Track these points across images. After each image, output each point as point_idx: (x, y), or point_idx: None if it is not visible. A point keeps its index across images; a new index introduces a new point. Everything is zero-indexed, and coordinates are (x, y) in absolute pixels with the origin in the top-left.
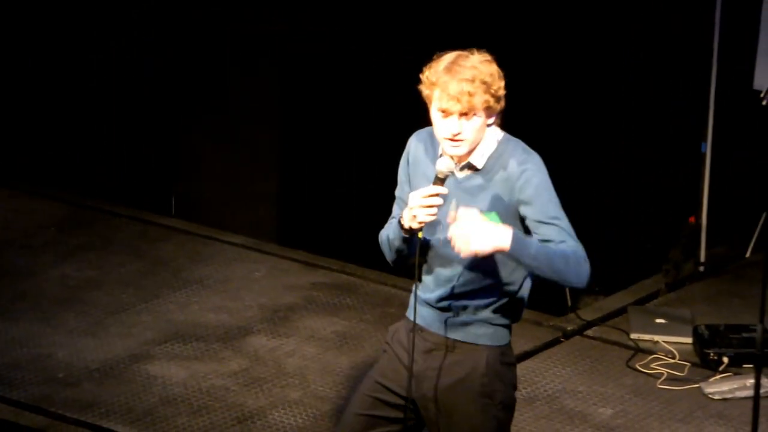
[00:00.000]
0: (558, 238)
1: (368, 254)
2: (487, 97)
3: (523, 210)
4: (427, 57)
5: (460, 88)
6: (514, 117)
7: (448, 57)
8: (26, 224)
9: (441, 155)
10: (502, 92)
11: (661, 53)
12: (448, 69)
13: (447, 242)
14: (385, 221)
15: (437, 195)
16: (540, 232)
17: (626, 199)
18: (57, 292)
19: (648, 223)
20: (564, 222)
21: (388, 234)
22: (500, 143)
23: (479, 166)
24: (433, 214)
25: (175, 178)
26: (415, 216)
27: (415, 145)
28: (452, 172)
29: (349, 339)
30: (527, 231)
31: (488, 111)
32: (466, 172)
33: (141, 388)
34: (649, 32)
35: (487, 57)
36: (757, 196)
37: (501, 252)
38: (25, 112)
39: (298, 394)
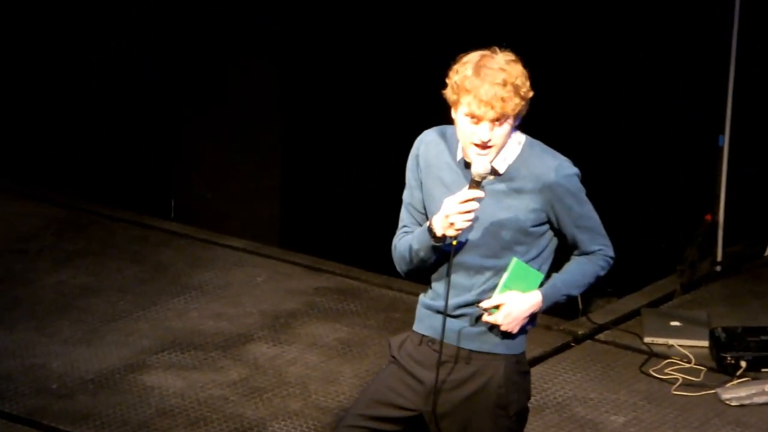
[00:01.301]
0: (592, 246)
1: (372, 257)
2: (518, 100)
3: (560, 217)
4: (427, 57)
5: (493, 93)
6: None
7: (473, 58)
8: (22, 228)
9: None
10: (530, 94)
11: (678, 45)
12: (477, 72)
13: (465, 248)
14: (390, 223)
15: (474, 199)
16: (575, 237)
17: (640, 197)
18: (52, 299)
19: (662, 221)
20: (596, 222)
21: (411, 244)
22: (524, 147)
23: (501, 171)
24: (470, 220)
25: (175, 181)
26: (452, 223)
27: (424, 147)
28: (487, 176)
29: (352, 346)
30: (555, 232)
31: (517, 116)
32: (488, 177)
33: (137, 399)
34: (668, 24)
35: (512, 56)
36: None
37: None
38: (23, 113)
39: (299, 404)
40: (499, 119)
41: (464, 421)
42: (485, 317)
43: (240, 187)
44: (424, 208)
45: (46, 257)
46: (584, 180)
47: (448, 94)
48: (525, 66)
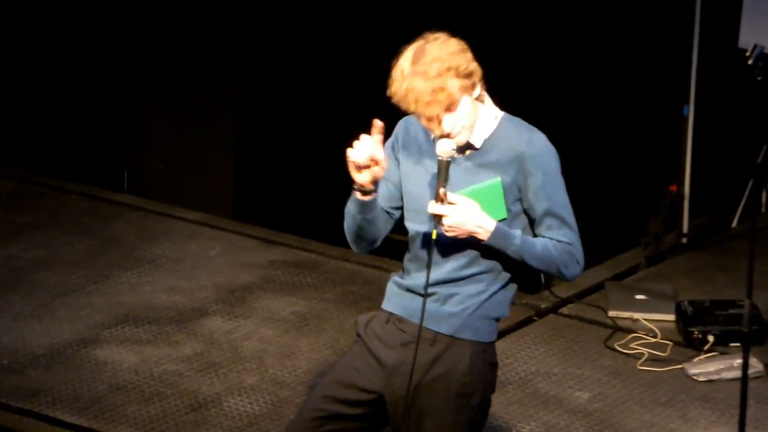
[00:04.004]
0: (558, 234)
1: (329, 230)
2: (460, 80)
3: (528, 195)
4: (385, 18)
5: (428, 90)
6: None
7: (402, 63)
8: None
9: (437, 138)
10: (471, 66)
11: (640, 10)
12: (408, 76)
13: (440, 226)
14: (346, 195)
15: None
16: (542, 222)
17: (604, 168)
18: (2, 273)
19: (626, 192)
20: (569, 213)
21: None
22: (501, 121)
23: (477, 146)
24: (361, 165)
25: (127, 152)
26: (356, 167)
27: (403, 130)
28: (453, 157)
29: (309, 320)
30: (526, 214)
31: (468, 88)
32: (466, 151)
33: (90, 374)
34: None
35: (442, 38)
36: (743, 161)
37: (478, 240)
38: None
39: (255, 379)
40: (448, 108)
41: (423, 406)
42: (432, 205)
43: (193, 158)
44: (401, 186)
45: None
46: None
47: (394, 101)
48: (499, 26)
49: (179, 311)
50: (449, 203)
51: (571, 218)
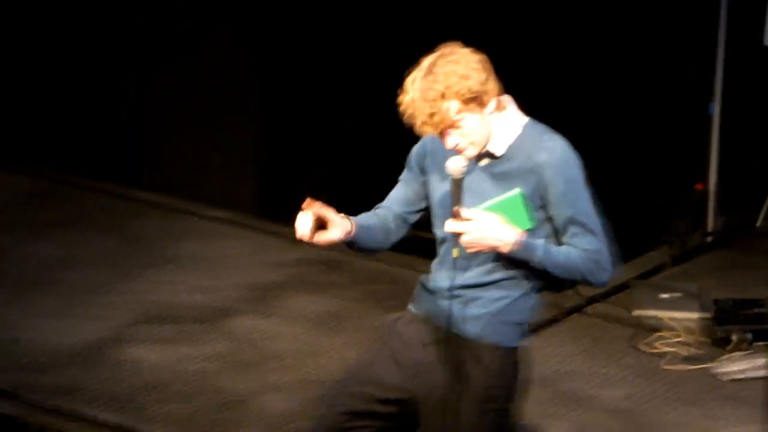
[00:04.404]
0: (582, 242)
1: None
2: (454, 102)
3: (551, 204)
4: (384, 17)
5: (422, 113)
6: (510, 81)
7: (417, 74)
8: None
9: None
10: (476, 85)
11: (668, 11)
12: (418, 89)
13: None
14: (369, 190)
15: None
16: (566, 230)
17: (628, 165)
18: (26, 272)
19: (652, 191)
20: (593, 220)
21: None
22: (525, 128)
23: (498, 154)
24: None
25: (148, 148)
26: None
27: (431, 139)
28: (464, 174)
29: (336, 318)
30: (550, 222)
31: (473, 106)
32: (486, 160)
33: (124, 372)
34: None
35: (455, 53)
36: None
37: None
38: None
39: (281, 378)
40: (446, 128)
41: (445, 406)
42: (449, 224)
43: (217, 155)
44: (423, 193)
45: (19, 229)
46: (574, 149)
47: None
48: (521, 23)
49: (203, 310)
50: (466, 220)
51: (595, 225)
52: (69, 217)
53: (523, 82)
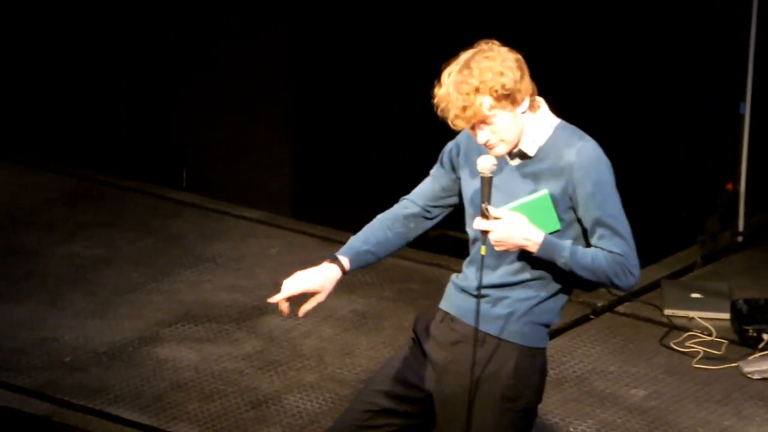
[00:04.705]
0: (609, 244)
1: None
2: (486, 98)
3: (579, 205)
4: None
5: (456, 108)
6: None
7: (454, 67)
8: (33, 200)
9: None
10: (510, 82)
11: (698, 11)
12: (444, 88)
13: (488, 242)
14: (403, 192)
15: None
16: (594, 232)
17: (659, 165)
18: (64, 271)
19: (682, 190)
20: (621, 223)
21: None
22: (556, 129)
23: (531, 154)
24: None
25: (187, 149)
26: None
27: (466, 138)
28: (493, 173)
29: (368, 318)
30: (579, 223)
31: (506, 103)
32: (518, 160)
33: (151, 372)
34: None
35: (493, 50)
36: None
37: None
38: (31, 85)
39: (314, 377)
40: (478, 123)
41: (467, 406)
42: (477, 221)
43: (253, 156)
44: (452, 190)
45: (58, 229)
46: (605, 149)
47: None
48: (551, 28)
49: (239, 309)
50: (494, 218)
51: (623, 228)
52: (107, 218)
53: (554, 83)
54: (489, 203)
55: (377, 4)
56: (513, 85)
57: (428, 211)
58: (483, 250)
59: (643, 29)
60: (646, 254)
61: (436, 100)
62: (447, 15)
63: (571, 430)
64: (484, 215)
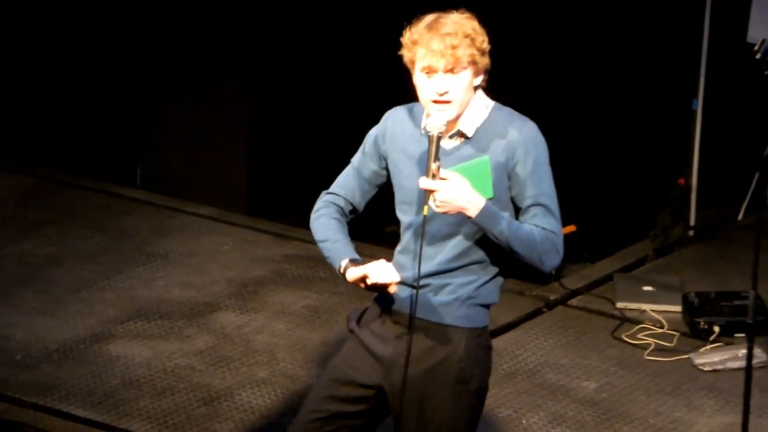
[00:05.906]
0: (542, 222)
1: None
2: (472, 50)
3: (517, 182)
4: (384, 17)
5: (443, 43)
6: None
7: (428, 17)
8: None
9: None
10: (486, 46)
11: (652, 8)
12: (429, 26)
13: (432, 216)
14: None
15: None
16: (528, 210)
17: (612, 160)
18: (15, 269)
19: (635, 185)
20: (554, 203)
21: (324, 246)
22: (492, 111)
23: (469, 134)
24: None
25: (141, 147)
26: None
27: (392, 120)
28: (441, 132)
29: (321, 314)
30: (512, 202)
31: (475, 67)
32: (455, 141)
33: (103, 369)
34: None
35: (467, 14)
36: (750, 155)
37: (465, 216)
38: None
39: (266, 372)
40: (453, 69)
41: (423, 396)
42: (423, 180)
43: (207, 154)
44: (376, 181)
45: (9, 227)
46: (557, 144)
47: (404, 53)
48: (505, 21)
49: (191, 306)
50: (441, 179)
51: (555, 208)
52: (60, 215)
53: (514, 79)
54: (438, 163)
55: (336, 3)
56: (486, 47)
57: (355, 205)
58: (425, 210)
59: (596, 26)
60: (600, 248)
61: (415, 36)
62: (407, 12)
63: (524, 422)
64: (431, 175)
